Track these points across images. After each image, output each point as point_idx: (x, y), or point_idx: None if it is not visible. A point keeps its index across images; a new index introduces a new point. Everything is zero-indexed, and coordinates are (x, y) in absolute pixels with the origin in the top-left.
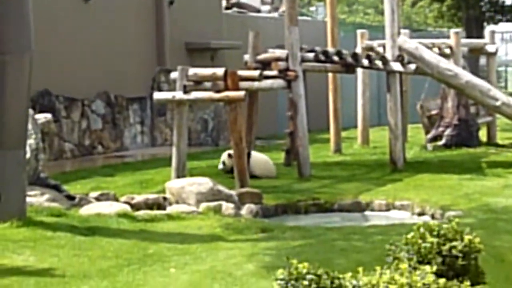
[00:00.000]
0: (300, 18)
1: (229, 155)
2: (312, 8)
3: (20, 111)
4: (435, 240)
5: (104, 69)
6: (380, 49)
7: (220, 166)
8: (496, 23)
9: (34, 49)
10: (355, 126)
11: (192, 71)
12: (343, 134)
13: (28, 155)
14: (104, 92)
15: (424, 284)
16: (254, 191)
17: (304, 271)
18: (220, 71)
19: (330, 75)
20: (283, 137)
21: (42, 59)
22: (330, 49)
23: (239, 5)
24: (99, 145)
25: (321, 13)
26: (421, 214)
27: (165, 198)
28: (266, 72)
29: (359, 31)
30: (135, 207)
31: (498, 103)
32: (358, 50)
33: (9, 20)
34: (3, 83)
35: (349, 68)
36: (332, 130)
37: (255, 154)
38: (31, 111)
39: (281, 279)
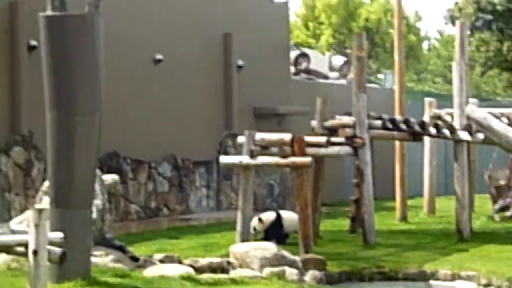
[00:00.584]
0: (368, 85)
1: (260, 220)
2: (381, 76)
3: (88, 171)
4: None
5: (171, 132)
6: (448, 118)
7: (251, 231)
8: None
9: (103, 110)
10: (421, 195)
11: (259, 136)
12: (409, 202)
13: (94, 215)
14: (171, 155)
15: None
16: (318, 257)
17: None
18: (287, 137)
19: (397, 142)
20: (350, 204)
21: (111, 120)
22: (398, 117)
23: (307, 71)
24: (165, 207)
25: (389, 81)
26: (487, 285)
27: (229, 262)
28: (333, 139)
29: (427, 100)
30: (199, 270)
31: None
32: (426, 118)
33: (81, 82)
34: (73, 144)
35: (416, 136)
36: (398, 198)
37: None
38: (98, 172)
39: None
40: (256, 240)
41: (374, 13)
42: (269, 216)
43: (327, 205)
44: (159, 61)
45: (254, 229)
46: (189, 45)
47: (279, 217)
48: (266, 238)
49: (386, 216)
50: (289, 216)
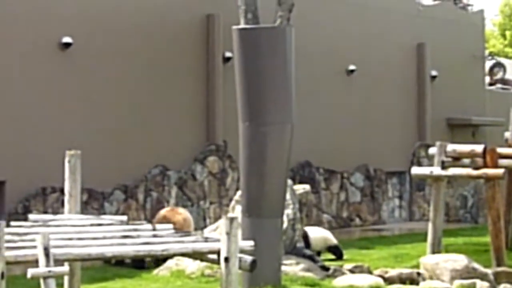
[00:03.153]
0: None
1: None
2: None
3: (279, 180)
4: None
5: (364, 142)
6: None
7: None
8: None
9: (295, 122)
10: None
11: (450, 147)
12: None
13: (285, 224)
14: (364, 165)
15: None
16: (510, 270)
17: None
18: (479, 148)
19: None
20: None
21: (305, 130)
22: None
23: (503, 81)
24: (357, 217)
25: None
26: None
27: (419, 274)
28: None
29: None
30: (388, 281)
31: None
32: None
33: (272, 93)
34: (264, 154)
35: None
36: None
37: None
38: (290, 182)
39: None
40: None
41: None
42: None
43: None
44: (352, 71)
45: None
46: (382, 55)
47: (305, 235)
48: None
49: None
50: (317, 234)
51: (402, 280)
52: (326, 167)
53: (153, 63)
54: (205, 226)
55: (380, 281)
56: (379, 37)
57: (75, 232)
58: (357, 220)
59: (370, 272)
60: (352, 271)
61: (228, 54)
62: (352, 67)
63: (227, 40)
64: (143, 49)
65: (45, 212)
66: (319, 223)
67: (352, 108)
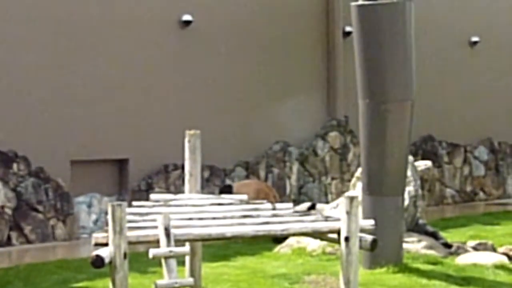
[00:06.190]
0: None
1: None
2: None
3: (400, 158)
4: None
5: (487, 115)
6: None
7: None
8: None
9: (415, 98)
10: None
11: None
12: None
13: (406, 202)
14: (487, 138)
15: None
16: None
17: None
18: None
19: None
20: None
21: (427, 104)
22: None
23: None
24: (481, 191)
25: None
26: None
27: None
28: None
29: None
30: None
31: None
32: None
33: (392, 70)
34: (385, 131)
35: None
36: None
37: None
38: (410, 158)
39: None
40: None
41: None
42: (303, 207)
43: None
44: (475, 43)
45: None
46: (506, 25)
47: (313, 207)
48: None
49: None
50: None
51: None
52: (449, 140)
53: (273, 39)
54: (327, 202)
55: (505, 260)
56: (502, 7)
57: (195, 212)
58: (481, 194)
59: (494, 250)
60: (475, 248)
61: (348, 29)
62: (475, 38)
63: (347, 14)
64: (263, 26)
65: (167, 189)
66: (442, 198)
67: (475, 80)
